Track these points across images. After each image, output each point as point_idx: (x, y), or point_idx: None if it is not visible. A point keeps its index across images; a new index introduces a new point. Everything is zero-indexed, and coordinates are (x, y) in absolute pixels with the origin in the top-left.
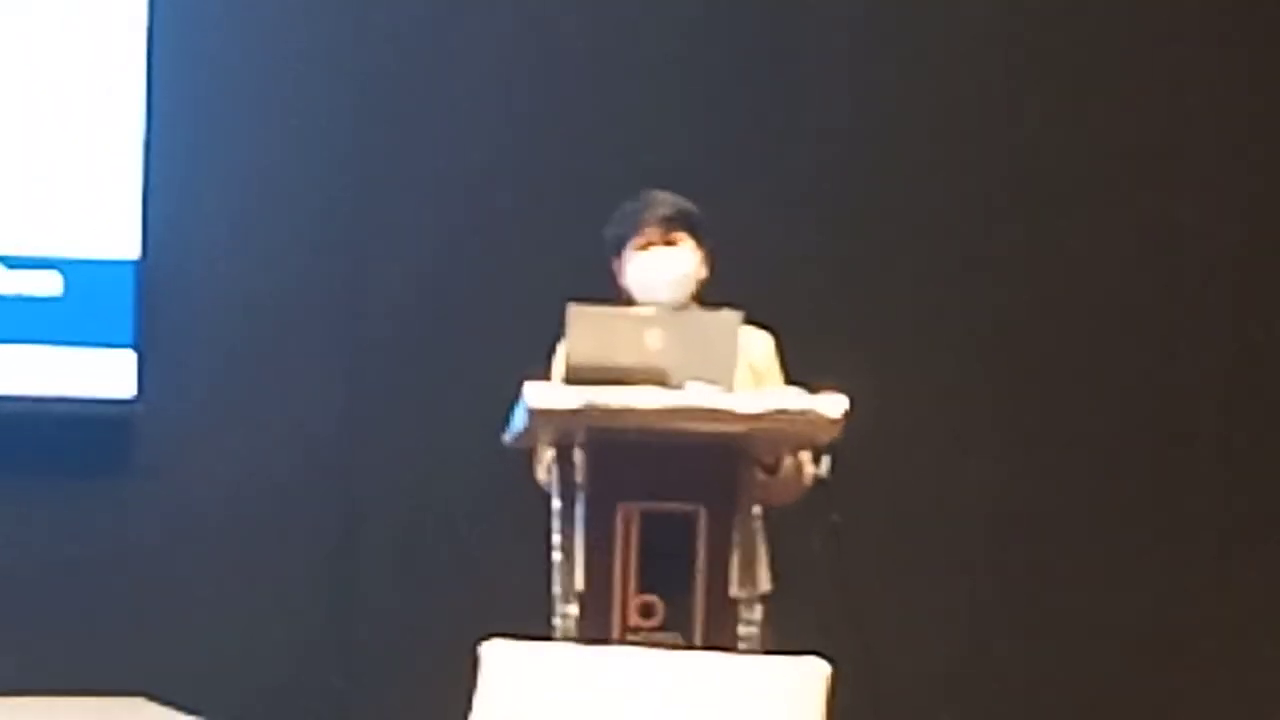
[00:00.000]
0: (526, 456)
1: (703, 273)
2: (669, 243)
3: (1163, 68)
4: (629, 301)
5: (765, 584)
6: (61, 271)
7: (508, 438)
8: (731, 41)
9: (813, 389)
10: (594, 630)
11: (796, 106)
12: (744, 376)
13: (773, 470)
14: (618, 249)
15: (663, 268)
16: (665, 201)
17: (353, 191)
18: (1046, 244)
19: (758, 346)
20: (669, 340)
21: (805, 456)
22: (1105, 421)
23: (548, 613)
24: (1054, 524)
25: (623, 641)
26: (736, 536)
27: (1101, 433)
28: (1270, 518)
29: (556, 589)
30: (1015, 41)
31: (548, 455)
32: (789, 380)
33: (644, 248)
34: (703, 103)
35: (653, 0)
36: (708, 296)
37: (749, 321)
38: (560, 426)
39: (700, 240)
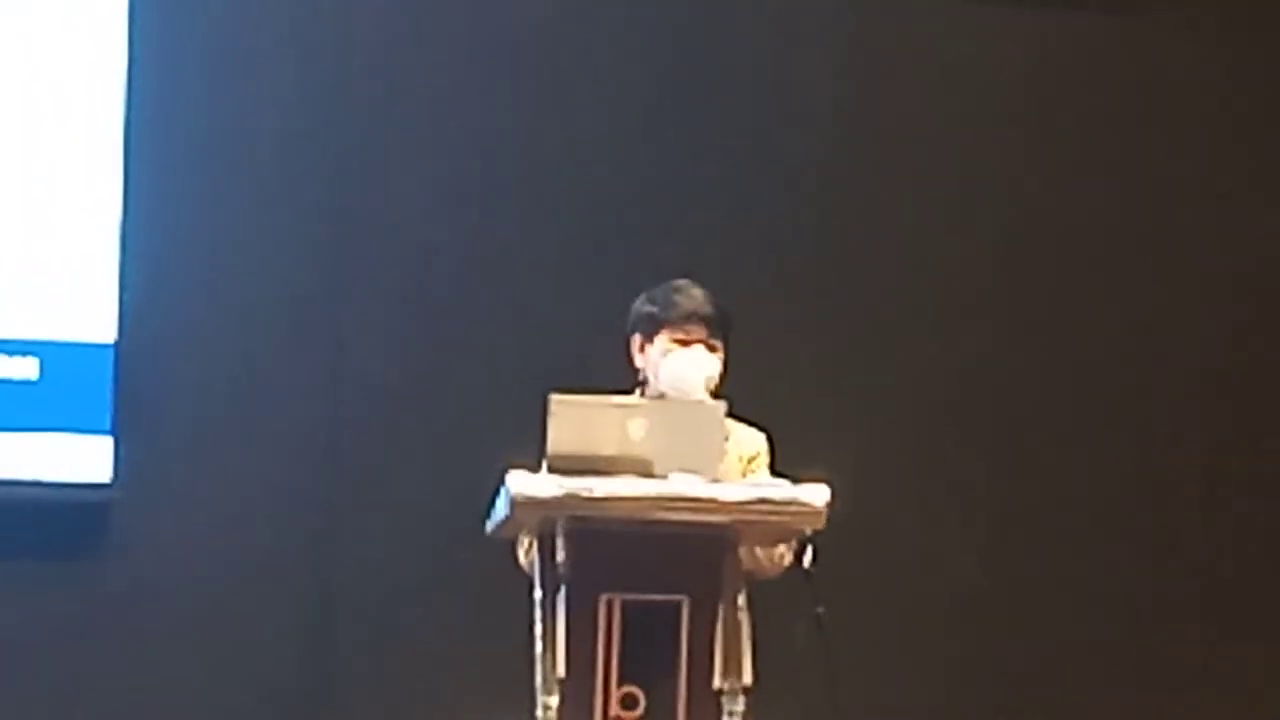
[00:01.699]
0: (510, 541)
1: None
2: (710, 346)
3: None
4: (641, 384)
5: (748, 677)
6: (38, 355)
7: (490, 526)
8: (717, 130)
9: (796, 479)
10: None
11: (778, 194)
12: (736, 469)
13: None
14: (650, 330)
15: (703, 369)
16: (709, 300)
17: (330, 273)
18: (1029, 331)
19: (751, 443)
20: (652, 429)
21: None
22: (1091, 509)
23: (530, 704)
24: (1041, 614)
25: None
26: (720, 627)
27: (1087, 521)
28: (1263, 599)
29: (537, 679)
30: (1002, 120)
31: (531, 540)
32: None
33: (684, 343)
34: (685, 192)
35: (635, 82)
36: None
37: (744, 420)
38: (542, 515)
39: (727, 342)
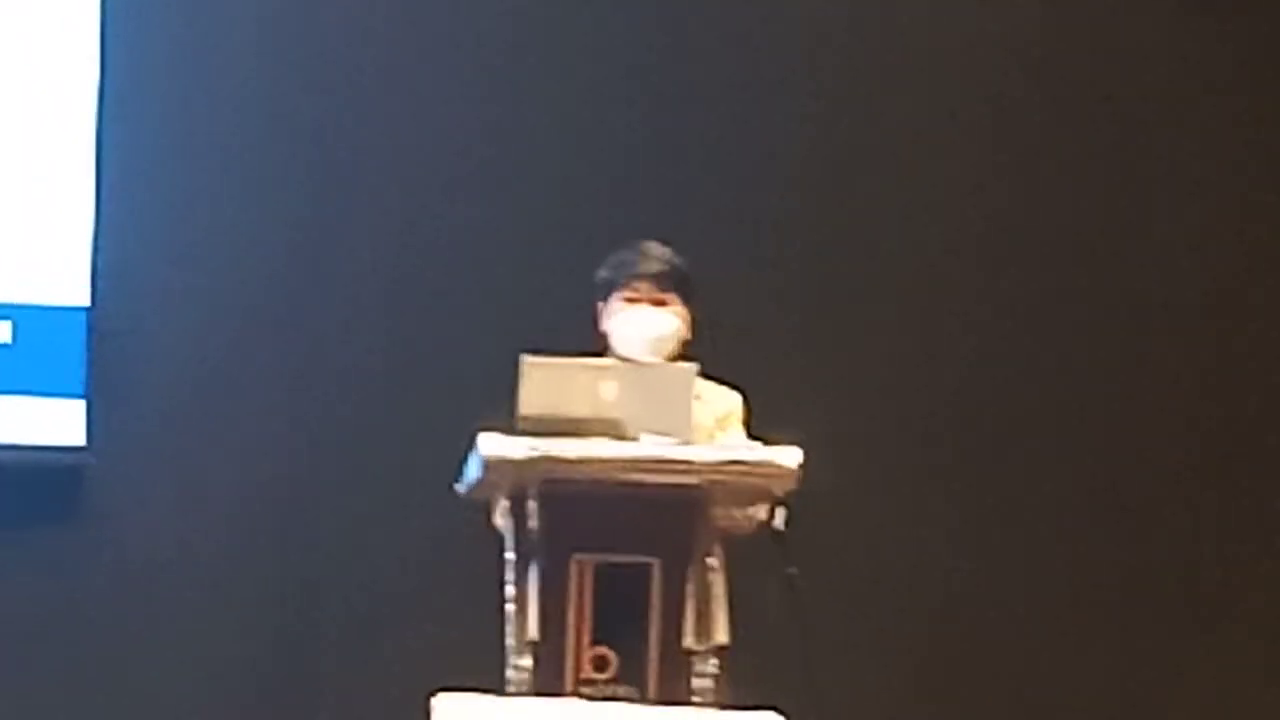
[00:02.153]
0: (485, 503)
1: (685, 334)
2: (657, 302)
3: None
4: (605, 347)
5: (723, 636)
6: (12, 319)
7: (462, 488)
8: (697, 96)
9: (769, 442)
10: (547, 682)
11: (754, 159)
12: (705, 429)
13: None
14: (605, 293)
15: (646, 326)
16: (660, 258)
17: (305, 240)
18: (1006, 297)
19: (723, 404)
20: (624, 392)
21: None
22: (1066, 476)
23: (501, 665)
24: (1011, 577)
25: (576, 694)
26: (691, 588)
27: (1062, 487)
28: (1238, 592)
29: (509, 641)
30: (978, 101)
31: (503, 503)
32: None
33: (631, 301)
34: (660, 156)
35: (617, 58)
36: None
37: (718, 380)
38: (514, 477)
39: (688, 302)
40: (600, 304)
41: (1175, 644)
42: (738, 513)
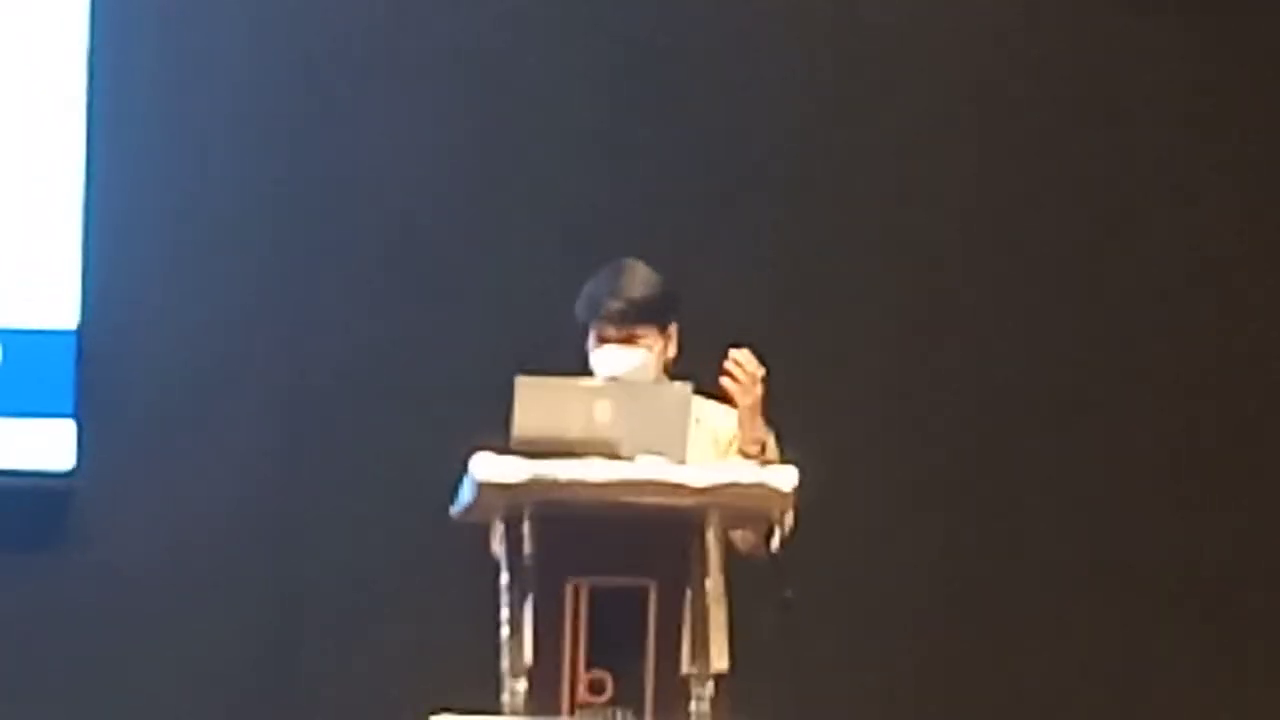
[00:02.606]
0: (481, 527)
1: (670, 353)
2: (626, 340)
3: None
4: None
5: (721, 663)
6: (0, 341)
7: (455, 510)
8: (684, 104)
9: (764, 463)
10: (543, 706)
11: (744, 164)
12: (706, 450)
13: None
14: (583, 328)
15: (614, 367)
16: (624, 293)
17: (293, 259)
18: (995, 315)
19: (724, 421)
20: (618, 412)
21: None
22: (1058, 491)
23: (496, 688)
24: (1009, 597)
25: (572, 717)
26: (688, 612)
27: (1058, 509)
28: (1224, 583)
29: (505, 664)
30: (967, 106)
31: (498, 525)
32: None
33: (601, 341)
34: (651, 165)
35: (605, 61)
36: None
37: (715, 397)
38: (508, 499)
39: (664, 325)
40: (586, 338)
41: (1175, 657)
42: (751, 534)
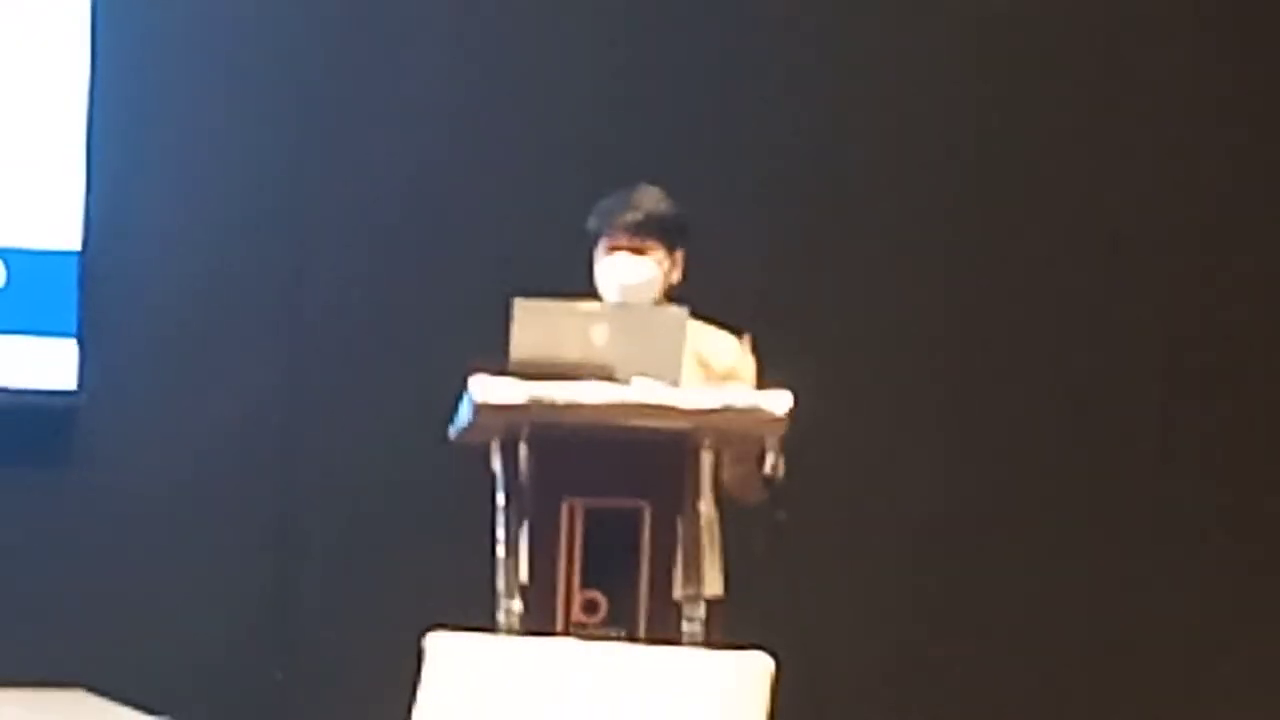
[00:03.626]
0: (478, 449)
1: (674, 278)
2: (637, 250)
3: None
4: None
5: (715, 587)
6: (3, 261)
7: (453, 432)
8: (682, 41)
9: (759, 386)
10: (537, 625)
11: (744, 106)
12: (692, 373)
13: (770, 480)
14: (594, 242)
15: (621, 274)
16: (640, 205)
17: (295, 181)
18: (995, 245)
19: (717, 346)
20: (615, 336)
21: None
22: (1050, 419)
23: (491, 608)
24: (999, 521)
25: (566, 636)
26: (680, 534)
27: (1049, 432)
28: (1211, 517)
29: (500, 584)
30: (971, 49)
31: (495, 446)
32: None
33: (612, 250)
34: (651, 100)
35: (604, 13)
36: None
37: (718, 324)
38: (505, 421)
39: (673, 246)
40: (594, 251)
41: (1174, 583)
42: (740, 469)
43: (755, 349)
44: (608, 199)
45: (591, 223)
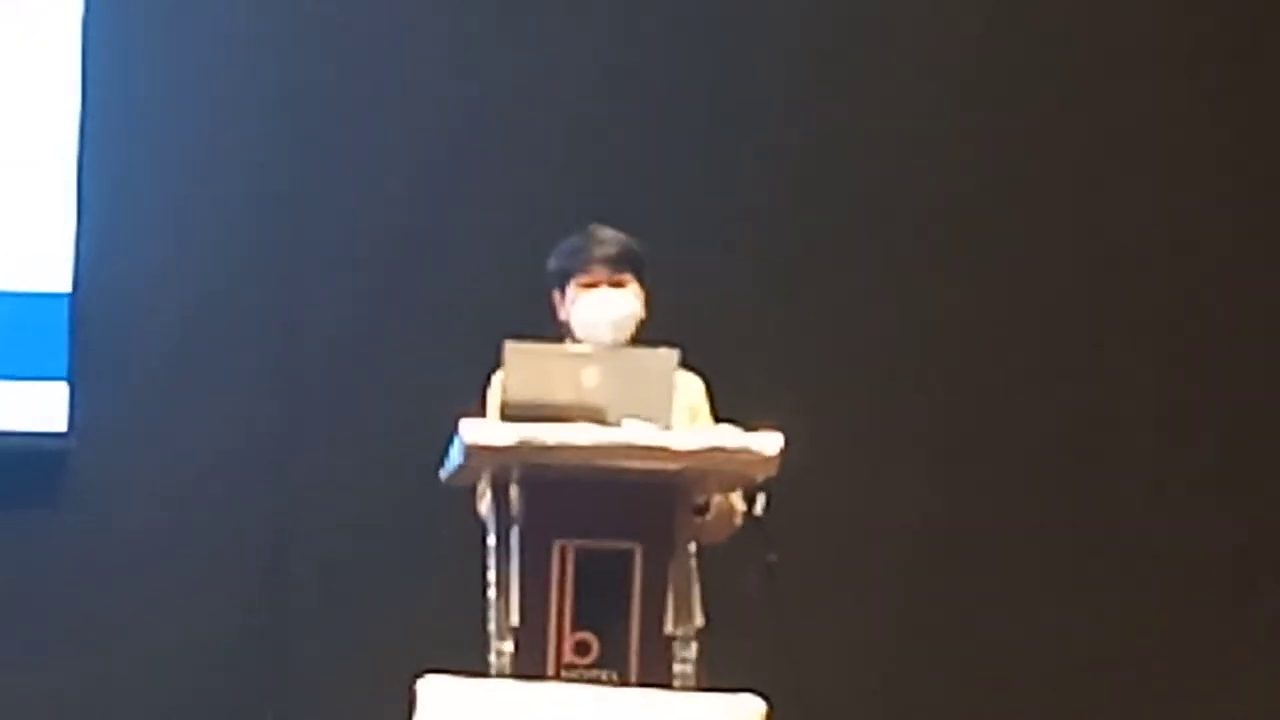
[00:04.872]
0: (469, 491)
1: (642, 314)
2: (615, 284)
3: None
4: (567, 336)
5: (698, 619)
6: None
7: (444, 474)
8: (667, 80)
9: (749, 427)
10: (529, 667)
11: (728, 145)
12: (682, 417)
13: (703, 511)
14: (561, 283)
15: (609, 309)
16: (612, 240)
17: (287, 223)
18: (975, 280)
19: (692, 388)
20: (605, 378)
21: (735, 496)
22: (1037, 454)
23: (483, 650)
24: (987, 559)
25: (558, 678)
26: (672, 574)
27: (1033, 465)
28: (1210, 531)
29: (491, 626)
30: (949, 85)
31: (488, 490)
32: (719, 423)
33: (589, 287)
34: (636, 140)
35: (591, 40)
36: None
37: (682, 365)
38: (496, 463)
39: (643, 281)
40: (557, 295)
41: (1163, 612)
42: (720, 507)
43: (710, 395)
44: (568, 240)
45: (557, 263)
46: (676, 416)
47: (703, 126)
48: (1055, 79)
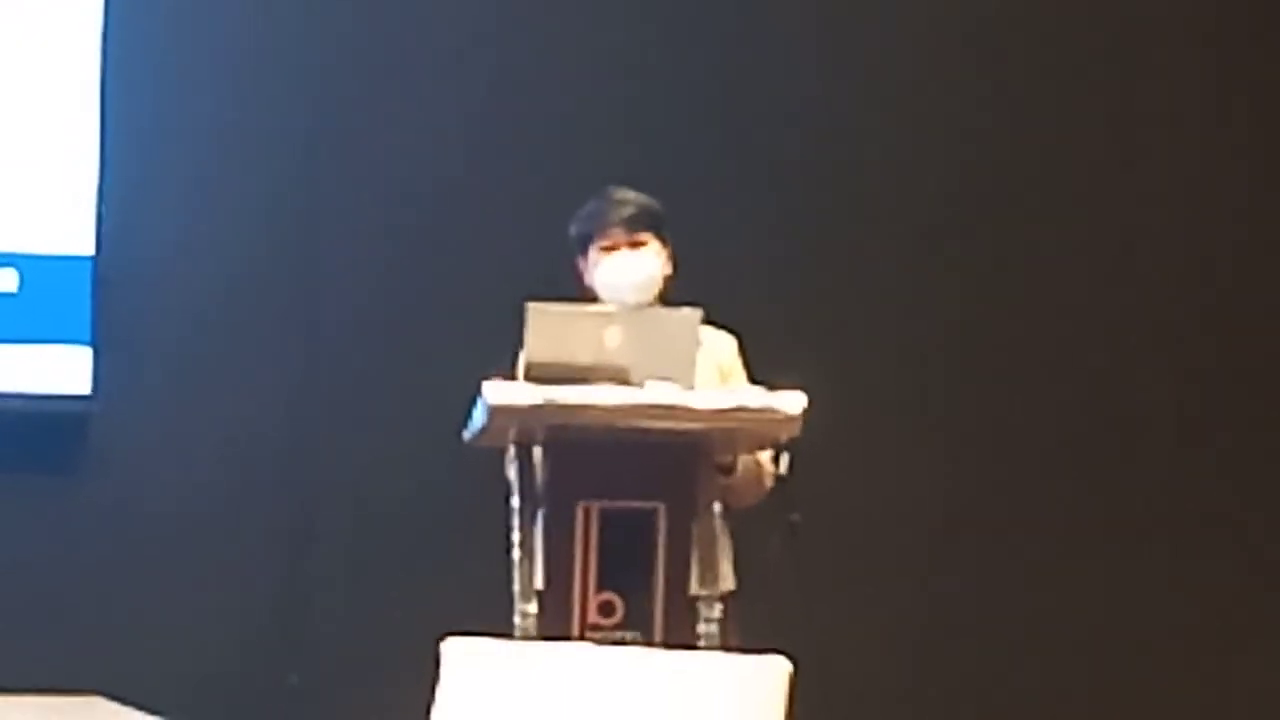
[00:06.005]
0: (494, 453)
1: (667, 270)
2: (634, 245)
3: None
4: (593, 300)
5: (729, 583)
6: (17, 268)
7: (468, 435)
8: (691, 41)
9: (772, 387)
10: (553, 628)
11: (754, 105)
12: (711, 376)
13: (729, 471)
14: (583, 248)
15: (629, 271)
16: (630, 201)
17: (308, 187)
18: (1005, 246)
19: (724, 347)
20: (628, 338)
21: (764, 457)
22: (1063, 421)
23: (507, 611)
24: (1012, 522)
25: (582, 640)
26: (696, 535)
27: (1059, 432)
28: (1223, 520)
29: (516, 587)
30: (980, 48)
31: (509, 449)
32: (753, 382)
33: (609, 250)
34: (660, 101)
35: (608, 8)
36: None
37: (713, 323)
38: (520, 424)
39: (664, 239)
40: (580, 260)
41: (1182, 582)
42: (749, 468)
43: (744, 352)
44: (586, 204)
45: (577, 228)
46: (703, 375)
47: (724, 86)
48: (1097, 64)
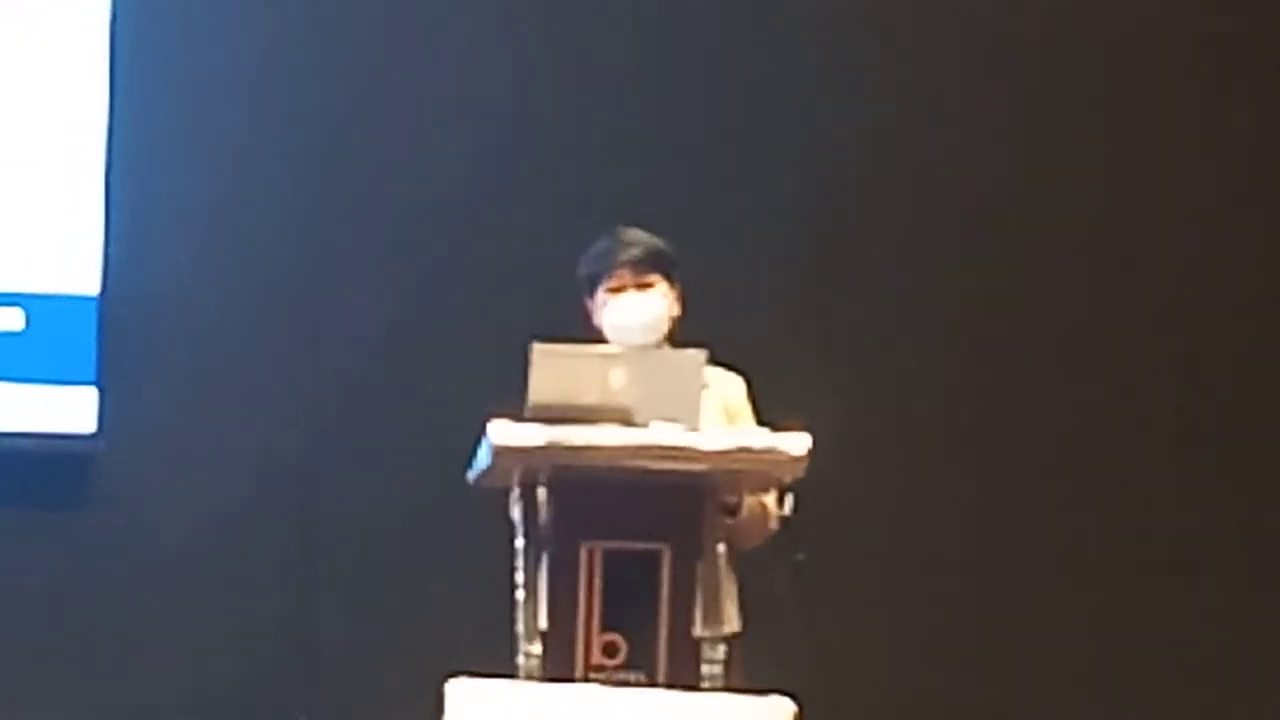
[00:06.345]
0: (498, 493)
1: (675, 311)
2: (641, 286)
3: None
4: (602, 340)
5: (733, 624)
6: (23, 307)
7: (472, 475)
8: (697, 81)
9: (776, 428)
10: (557, 669)
11: (761, 144)
12: (717, 416)
13: (734, 512)
14: (590, 289)
15: (636, 312)
16: (637, 242)
17: (314, 226)
18: (1008, 281)
19: (732, 388)
20: (633, 379)
21: (769, 498)
22: (1069, 457)
23: (511, 651)
24: (1018, 560)
25: (586, 680)
26: (700, 576)
27: (1065, 468)
28: (1234, 546)
29: (520, 627)
30: (978, 84)
31: (513, 490)
32: (760, 424)
33: (616, 291)
34: (668, 141)
35: (618, 39)
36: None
37: (721, 364)
38: (524, 464)
39: (672, 280)
40: (589, 301)
41: (1191, 606)
42: (754, 510)
43: (752, 394)
44: (596, 245)
45: (584, 270)
46: (709, 416)
47: (730, 124)
48: (1092, 78)
